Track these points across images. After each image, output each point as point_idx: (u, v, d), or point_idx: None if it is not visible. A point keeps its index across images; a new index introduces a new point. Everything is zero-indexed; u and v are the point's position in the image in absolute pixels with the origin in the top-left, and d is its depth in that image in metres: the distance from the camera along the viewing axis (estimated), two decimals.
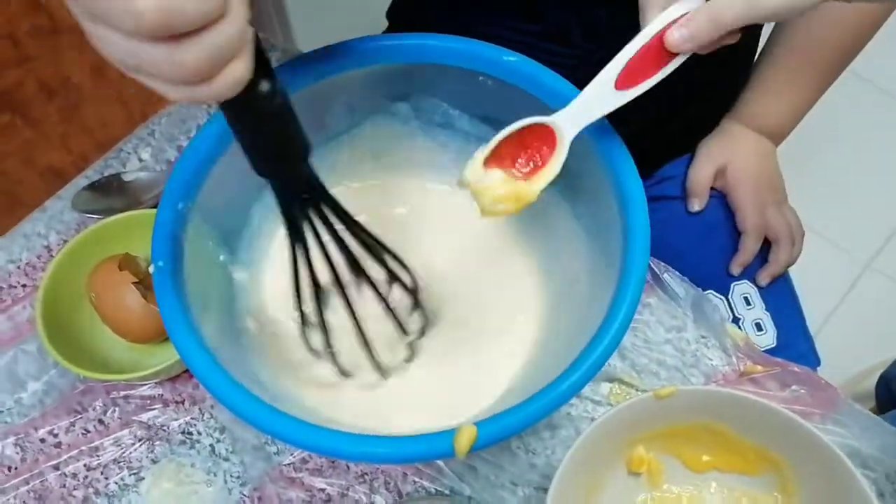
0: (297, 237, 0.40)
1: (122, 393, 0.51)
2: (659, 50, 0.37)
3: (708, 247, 0.70)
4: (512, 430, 0.38)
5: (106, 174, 0.58)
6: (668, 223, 0.71)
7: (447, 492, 0.48)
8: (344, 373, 0.45)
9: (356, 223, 0.41)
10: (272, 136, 0.35)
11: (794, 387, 0.50)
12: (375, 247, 0.43)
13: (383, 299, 0.43)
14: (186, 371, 0.51)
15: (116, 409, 0.50)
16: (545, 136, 0.40)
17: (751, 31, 0.69)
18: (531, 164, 0.40)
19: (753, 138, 0.71)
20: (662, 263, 0.55)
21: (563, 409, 0.50)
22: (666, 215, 0.71)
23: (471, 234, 0.52)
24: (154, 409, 0.50)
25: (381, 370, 0.45)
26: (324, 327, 0.43)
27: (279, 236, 0.51)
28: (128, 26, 0.25)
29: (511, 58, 0.46)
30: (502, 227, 0.52)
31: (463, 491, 0.47)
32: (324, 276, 0.42)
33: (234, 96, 0.30)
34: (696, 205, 0.70)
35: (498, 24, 0.62)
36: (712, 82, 0.68)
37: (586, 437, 0.42)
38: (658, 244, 0.52)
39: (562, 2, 0.60)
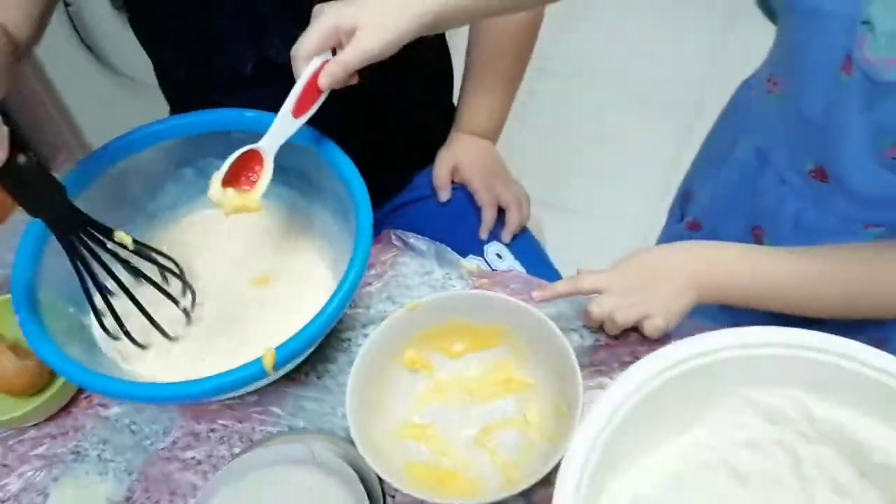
0: (72, 253, 0.56)
1: (17, 439, 0.63)
2: (314, 87, 0.57)
3: (461, 225, 0.90)
4: (300, 346, 0.55)
5: None
6: (427, 216, 0.90)
7: (287, 429, 0.63)
8: (140, 345, 0.61)
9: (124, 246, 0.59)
10: (34, 189, 0.53)
11: (511, 286, 0.70)
12: (144, 251, 0.60)
13: (158, 287, 0.60)
14: (63, 409, 0.65)
15: (13, 453, 0.63)
16: (257, 158, 0.59)
17: (441, 61, 0.91)
18: (251, 179, 0.59)
19: (471, 139, 0.92)
20: (409, 233, 0.74)
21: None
22: (424, 211, 0.91)
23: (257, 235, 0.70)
24: (44, 443, 0.63)
25: (169, 337, 0.62)
26: (115, 315, 0.59)
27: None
28: None
29: (249, 114, 0.66)
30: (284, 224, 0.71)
31: (297, 424, 0.63)
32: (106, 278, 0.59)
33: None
34: (442, 196, 0.90)
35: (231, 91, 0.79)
36: (420, 104, 0.90)
37: (365, 350, 0.60)
38: (422, 231, 0.72)
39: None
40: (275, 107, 0.60)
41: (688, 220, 0.90)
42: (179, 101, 0.88)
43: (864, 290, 0.66)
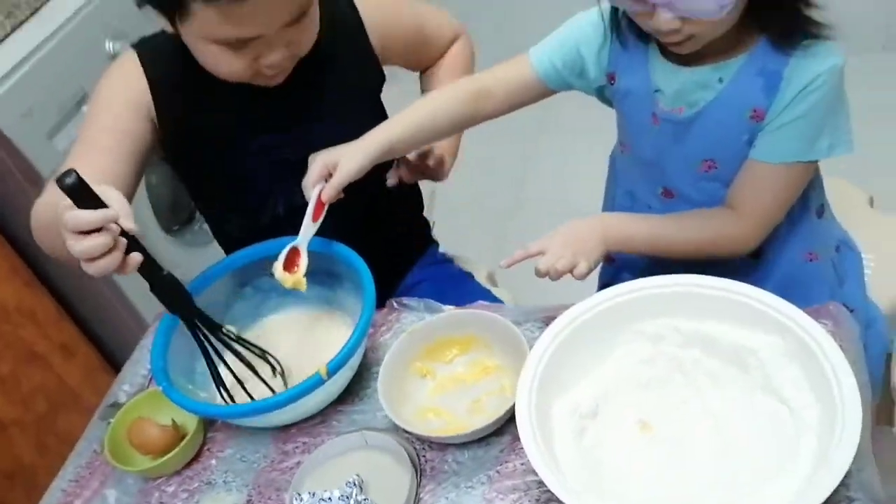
0: (200, 344, 0.88)
1: (165, 484, 0.92)
2: (320, 203, 0.92)
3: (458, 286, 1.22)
4: (340, 359, 0.85)
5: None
6: (434, 289, 1.20)
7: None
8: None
9: (231, 334, 0.91)
10: (172, 294, 0.85)
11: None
12: (242, 341, 0.92)
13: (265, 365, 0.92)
14: (191, 461, 0.94)
15: (165, 493, 0.91)
16: (297, 252, 0.92)
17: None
18: (297, 266, 0.92)
19: None
20: (404, 298, 1.05)
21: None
22: (431, 286, 1.23)
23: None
24: (184, 483, 0.92)
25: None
26: (221, 382, 0.91)
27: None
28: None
29: (284, 239, 1.00)
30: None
31: (352, 430, 0.92)
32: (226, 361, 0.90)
33: (145, 274, 0.79)
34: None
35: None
36: (397, 206, 1.23)
37: (385, 364, 0.90)
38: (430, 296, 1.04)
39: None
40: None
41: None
42: (233, 244, 1.20)
43: (691, 237, 0.99)
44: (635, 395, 0.84)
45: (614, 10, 0.97)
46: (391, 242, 1.23)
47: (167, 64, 1.03)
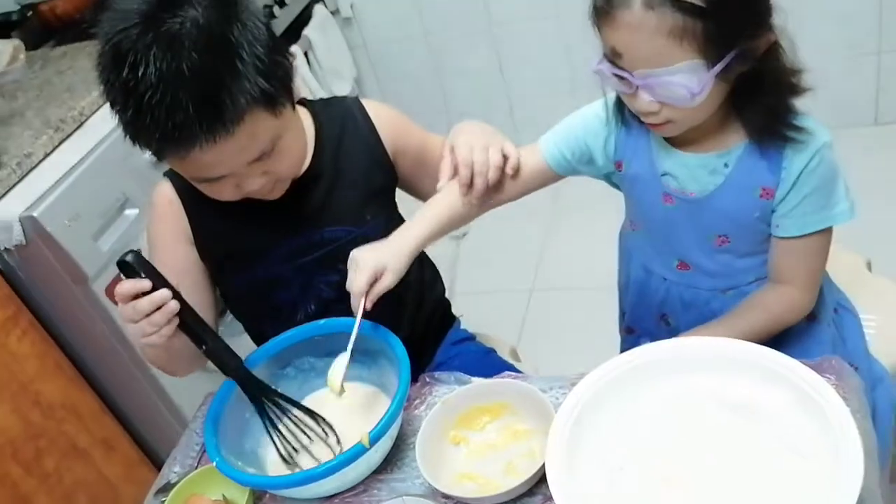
0: (257, 407, 0.95)
1: None
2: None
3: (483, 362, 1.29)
4: (381, 428, 0.91)
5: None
6: (461, 363, 1.27)
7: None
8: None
9: (285, 397, 0.98)
10: (224, 360, 0.93)
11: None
12: (299, 406, 0.98)
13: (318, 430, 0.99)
14: None
15: None
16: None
17: (431, 269, 1.35)
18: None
19: None
20: (435, 372, 1.12)
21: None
22: (460, 360, 1.29)
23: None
24: None
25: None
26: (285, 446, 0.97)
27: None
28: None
29: (320, 322, 1.08)
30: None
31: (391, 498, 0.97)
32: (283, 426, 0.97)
33: (194, 338, 0.91)
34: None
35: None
36: (425, 297, 1.31)
37: (421, 433, 0.96)
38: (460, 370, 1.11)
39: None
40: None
41: (625, 327, 1.29)
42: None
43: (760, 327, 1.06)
44: (658, 451, 0.89)
45: (619, 100, 1.06)
46: (420, 324, 1.30)
47: (196, 189, 1.09)
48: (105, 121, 1.69)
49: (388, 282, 1.00)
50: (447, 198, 1.11)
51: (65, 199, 1.53)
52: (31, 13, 2.16)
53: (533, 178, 1.14)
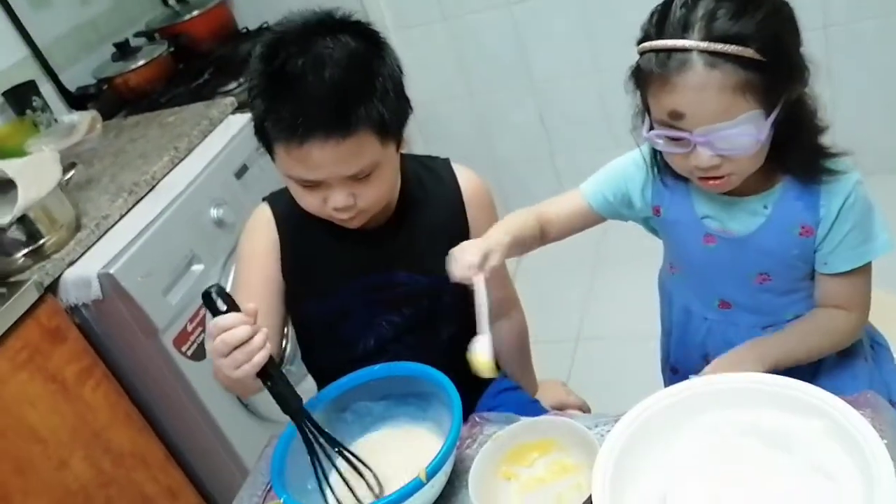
0: (310, 449, 1.01)
1: None
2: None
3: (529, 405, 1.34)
4: (437, 463, 0.97)
5: None
6: (510, 404, 1.33)
7: None
8: None
9: (336, 442, 1.04)
10: (283, 396, 1.00)
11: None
12: (344, 448, 1.05)
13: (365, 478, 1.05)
14: None
15: None
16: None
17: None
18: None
19: None
20: (485, 413, 1.17)
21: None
22: (507, 401, 1.34)
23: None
24: None
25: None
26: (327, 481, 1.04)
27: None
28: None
29: (376, 368, 1.15)
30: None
31: None
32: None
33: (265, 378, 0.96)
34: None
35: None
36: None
37: (474, 468, 1.01)
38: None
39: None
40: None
41: (669, 367, 1.33)
42: (325, 375, 1.35)
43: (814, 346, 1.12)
44: (700, 482, 0.93)
45: (654, 152, 1.12)
46: (465, 372, 1.36)
47: (291, 212, 1.22)
48: (175, 185, 1.82)
49: (495, 260, 1.06)
50: (524, 222, 1.19)
51: (138, 257, 1.65)
52: (106, 86, 2.33)
53: (576, 218, 1.22)
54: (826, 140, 1.05)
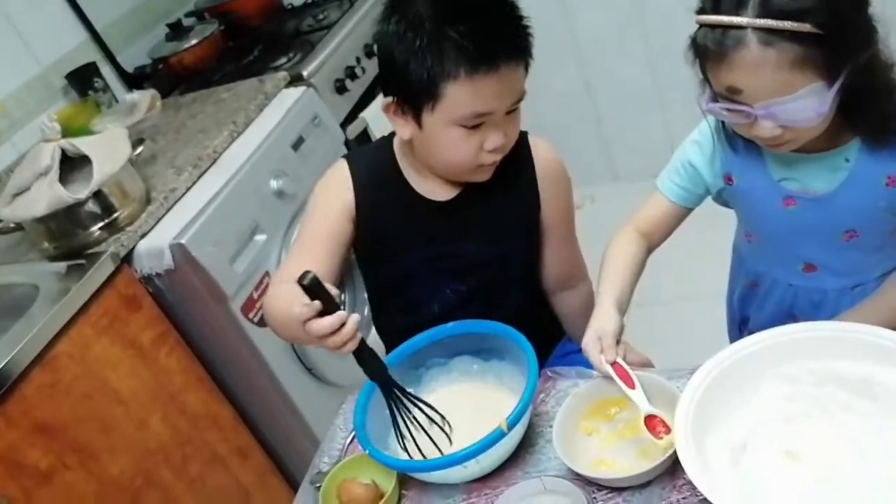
0: (391, 403, 1.06)
1: None
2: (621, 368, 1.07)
3: None
4: (518, 412, 1.00)
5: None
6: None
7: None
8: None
9: (415, 397, 1.09)
10: (370, 363, 1.04)
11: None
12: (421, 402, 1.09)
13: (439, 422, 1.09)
14: None
15: None
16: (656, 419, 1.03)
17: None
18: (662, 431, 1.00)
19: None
20: (557, 367, 1.20)
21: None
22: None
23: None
24: None
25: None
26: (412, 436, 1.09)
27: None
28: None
29: (448, 326, 1.18)
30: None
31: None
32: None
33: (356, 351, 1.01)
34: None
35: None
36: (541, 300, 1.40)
37: (557, 421, 1.04)
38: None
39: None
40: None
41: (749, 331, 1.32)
42: (394, 336, 1.37)
43: None
44: (780, 429, 0.95)
45: (721, 121, 1.11)
46: (539, 329, 1.39)
47: (369, 175, 1.27)
48: (236, 158, 1.87)
49: (616, 352, 1.07)
50: (630, 253, 1.21)
51: (206, 228, 1.70)
52: (161, 66, 2.38)
53: (668, 220, 1.23)
54: None
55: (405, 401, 1.10)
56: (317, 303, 0.99)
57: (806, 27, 0.89)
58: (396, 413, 1.10)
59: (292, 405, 1.88)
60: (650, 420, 1.00)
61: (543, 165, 1.31)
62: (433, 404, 1.17)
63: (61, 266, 1.58)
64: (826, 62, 0.91)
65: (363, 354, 1.04)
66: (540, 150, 1.31)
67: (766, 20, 0.90)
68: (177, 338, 1.73)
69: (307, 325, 0.99)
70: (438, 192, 1.27)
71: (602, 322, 1.10)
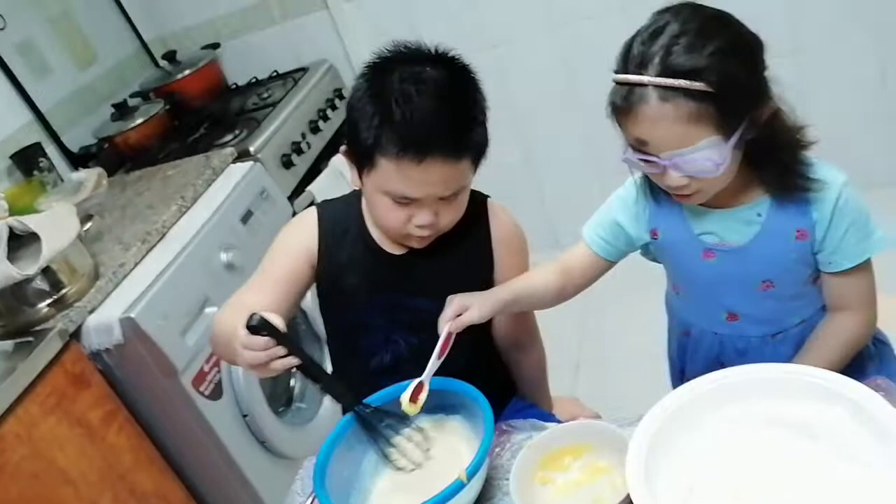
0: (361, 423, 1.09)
1: None
2: (447, 341, 1.13)
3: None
4: (476, 464, 1.02)
5: None
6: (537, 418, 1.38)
7: None
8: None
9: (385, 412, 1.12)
10: (335, 386, 1.11)
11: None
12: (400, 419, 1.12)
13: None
14: None
15: None
16: (420, 386, 1.13)
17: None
18: (419, 398, 1.12)
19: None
20: (511, 420, 1.23)
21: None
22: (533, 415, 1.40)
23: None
24: None
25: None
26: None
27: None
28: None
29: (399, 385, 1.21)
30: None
31: None
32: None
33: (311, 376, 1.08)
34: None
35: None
36: (492, 359, 1.44)
37: (512, 474, 1.06)
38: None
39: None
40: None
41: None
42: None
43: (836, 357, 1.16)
44: (725, 471, 0.98)
45: (646, 177, 1.18)
46: (490, 385, 1.42)
47: (334, 224, 1.30)
48: (184, 232, 1.88)
49: (468, 317, 1.14)
50: (544, 277, 1.27)
51: (156, 301, 1.70)
52: (107, 145, 2.40)
53: (590, 267, 1.29)
54: (810, 153, 1.10)
55: (374, 422, 1.13)
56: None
57: (698, 85, 0.98)
58: (373, 433, 1.14)
59: (245, 479, 1.85)
60: (417, 390, 1.13)
61: (500, 230, 1.35)
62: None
63: (8, 344, 1.56)
64: (720, 117, 1.00)
65: (319, 377, 1.10)
66: (498, 216, 1.36)
67: (663, 79, 1.00)
68: (126, 415, 1.70)
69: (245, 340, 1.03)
70: (395, 245, 1.30)
71: (478, 304, 1.17)
